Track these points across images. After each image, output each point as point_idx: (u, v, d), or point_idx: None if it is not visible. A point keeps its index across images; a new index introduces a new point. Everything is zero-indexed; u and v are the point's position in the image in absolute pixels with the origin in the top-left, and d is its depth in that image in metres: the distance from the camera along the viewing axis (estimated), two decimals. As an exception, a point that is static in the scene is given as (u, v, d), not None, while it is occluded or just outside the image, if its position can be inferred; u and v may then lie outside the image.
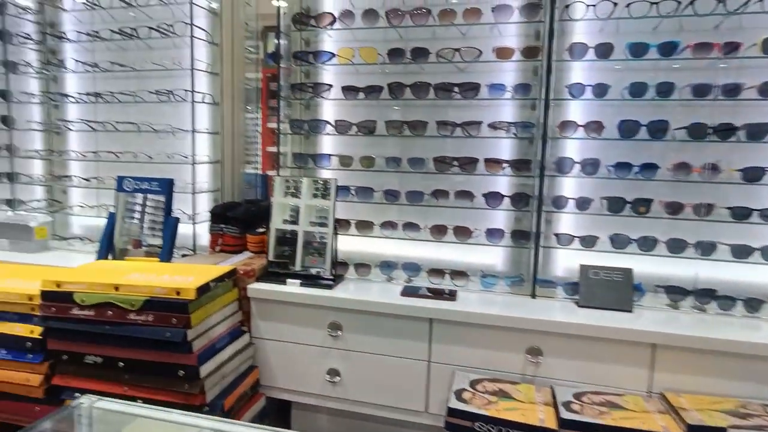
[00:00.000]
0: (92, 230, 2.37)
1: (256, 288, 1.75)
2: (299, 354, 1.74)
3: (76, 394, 1.61)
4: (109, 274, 1.63)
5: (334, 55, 1.85)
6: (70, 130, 2.35)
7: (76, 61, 2.19)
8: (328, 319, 1.69)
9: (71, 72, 2.27)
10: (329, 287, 1.73)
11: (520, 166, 1.74)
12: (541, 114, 1.64)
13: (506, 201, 1.76)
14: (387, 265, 1.86)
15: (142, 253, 2.00)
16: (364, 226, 1.88)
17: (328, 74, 1.99)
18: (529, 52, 1.67)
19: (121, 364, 1.54)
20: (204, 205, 2.18)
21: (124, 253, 2.02)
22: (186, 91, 2.01)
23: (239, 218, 2.03)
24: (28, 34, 2.25)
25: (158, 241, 1.95)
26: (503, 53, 1.69)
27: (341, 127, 1.87)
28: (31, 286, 1.68)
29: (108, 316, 1.52)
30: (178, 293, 1.49)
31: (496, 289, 1.77)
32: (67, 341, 1.58)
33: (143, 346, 1.51)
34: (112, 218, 1.95)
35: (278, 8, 1.84)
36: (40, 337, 1.61)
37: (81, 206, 2.38)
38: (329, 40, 1.97)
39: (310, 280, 1.76)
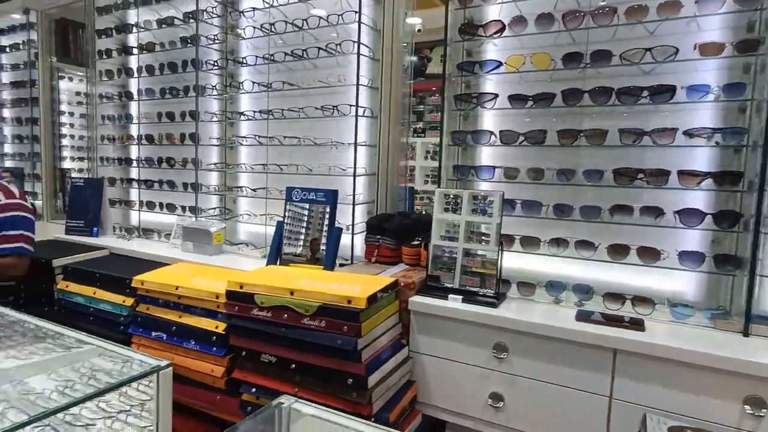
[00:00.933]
0: (256, 237, 2.58)
1: (417, 301, 1.72)
2: (459, 373, 1.67)
3: (253, 390, 1.74)
4: (283, 279, 1.73)
5: (501, 63, 1.79)
6: (242, 144, 2.60)
7: (253, 82, 2.42)
8: (492, 339, 1.60)
9: (245, 93, 2.51)
10: (493, 305, 1.64)
11: (725, 179, 1.49)
12: (763, 118, 1.38)
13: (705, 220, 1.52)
14: (553, 286, 1.72)
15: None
16: (530, 243, 1.76)
17: (489, 83, 1.93)
18: (746, 46, 1.43)
19: (293, 365, 1.61)
20: (357, 216, 2.25)
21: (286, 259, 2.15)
22: (350, 105, 2.09)
23: (394, 230, 2.04)
24: (215, 61, 2.55)
25: (299, 250, 2.04)
26: (709, 50, 1.47)
27: (507, 138, 1.79)
28: (216, 286, 1.86)
29: (284, 319, 1.61)
30: (349, 302, 1.52)
31: (691, 321, 1.52)
32: (246, 339, 1.71)
33: (314, 351, 1.56)
34: (280, 226, 2.09)
35: (446, 19, 1.83)
36: (224, 333, 1.77)
37: (248, 214, 2.60)
38: (493, 49, 1.91)
39: (470, 296, 1.69)
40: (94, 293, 2.19)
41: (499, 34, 1.78)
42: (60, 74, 3.71)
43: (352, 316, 1.50)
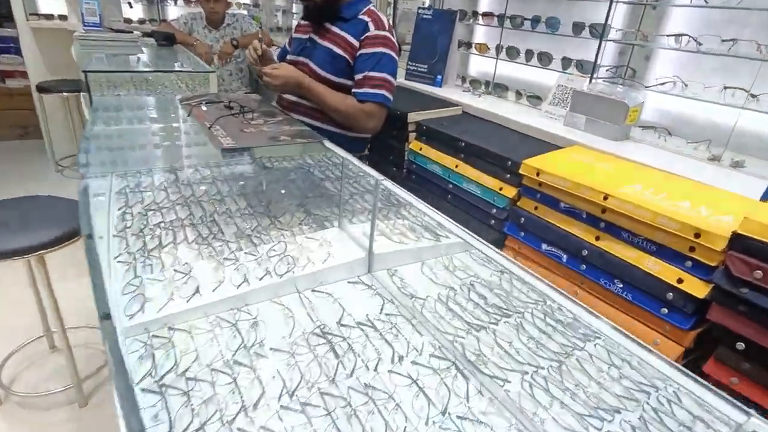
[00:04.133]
0: (672, 119, 1.66)
1: None
2: None
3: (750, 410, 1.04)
4: None
5: None
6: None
7: None
8: None
9: None
10: None
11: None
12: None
13: None
14: None
15: None
16: None
17: None
18: None
19: None
20: None
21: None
22: None
23: None
24: None
25: None
26: None
27: None
28: (686, 210, 1.10)
29: None
30: None
31: None
32: (757, 326, 0.96)
33: None
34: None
35: None
36: (696, 296, 1.05)
37: (662, 82, 1.65)
38: None
39: None
40: (457, 167, 1.71)
41: None
42: None
43: None
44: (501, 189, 1.53)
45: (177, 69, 2.52)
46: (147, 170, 1.65)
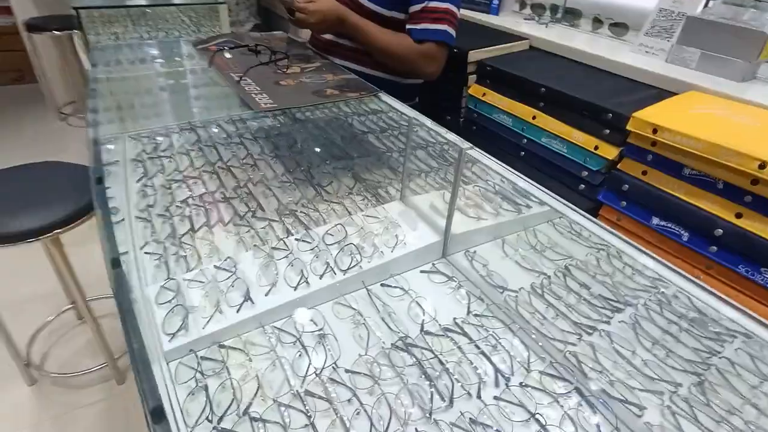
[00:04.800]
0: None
1: None
2: None
3: None
4: None
5: None
6: None
7: None
8: None
9: None
10: None
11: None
12: None
13: None
14: None
15: None
16: None
17: None
18: None
19: None
20: None
21: None
22: None
23: None
24: None
25: None
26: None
27: None
28: None
29: None
30: None
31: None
32: None
33: None
34: None
35: None
36: None
37: None
38: None
39: None
40: (534, 118, 1.41)
41: None
42: None
43: None
44: (596, 148, 1.25)
45: (180, 1, 2.15)
46: (164, 130, 1.39)
